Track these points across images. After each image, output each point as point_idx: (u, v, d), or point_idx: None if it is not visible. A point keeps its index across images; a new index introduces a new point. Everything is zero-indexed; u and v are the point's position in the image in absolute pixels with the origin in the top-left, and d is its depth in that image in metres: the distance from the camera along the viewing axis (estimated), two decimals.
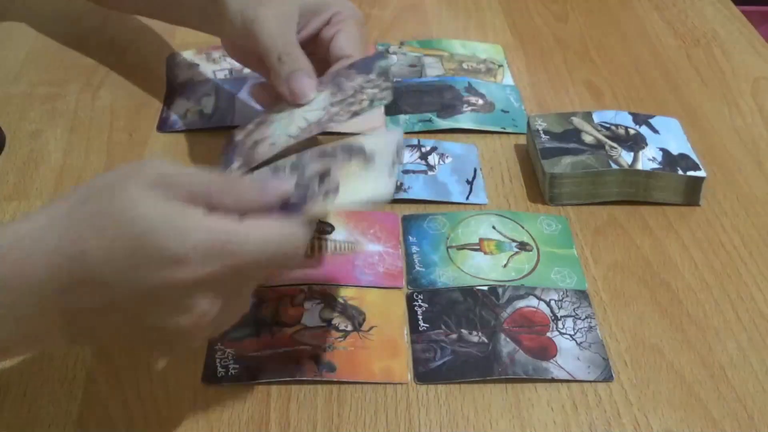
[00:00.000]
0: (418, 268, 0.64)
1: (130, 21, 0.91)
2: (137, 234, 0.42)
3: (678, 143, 0.73)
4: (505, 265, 0.65)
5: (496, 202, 0.71)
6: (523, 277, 0.64)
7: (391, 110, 0.80)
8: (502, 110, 0.81)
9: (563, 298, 0.62)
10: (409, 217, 0.69)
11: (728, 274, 0.65)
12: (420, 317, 0.60)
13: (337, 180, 0.49)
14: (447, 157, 0.75)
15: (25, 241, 0.44)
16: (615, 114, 0.75)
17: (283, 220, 0.46)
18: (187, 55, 0.87)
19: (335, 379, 0.56)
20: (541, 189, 0.72)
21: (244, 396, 0.55)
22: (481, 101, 0.82)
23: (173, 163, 0.46)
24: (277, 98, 0.64)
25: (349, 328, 0.59)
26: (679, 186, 0.70)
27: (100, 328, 0.46)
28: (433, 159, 0.74)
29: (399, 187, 0.71)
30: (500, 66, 0.88)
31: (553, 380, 0.57)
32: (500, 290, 0.62)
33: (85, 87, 0.82)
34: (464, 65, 0.87)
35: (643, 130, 0.74)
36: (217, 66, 0.86)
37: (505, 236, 0.67)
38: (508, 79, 0.86)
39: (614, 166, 0.70)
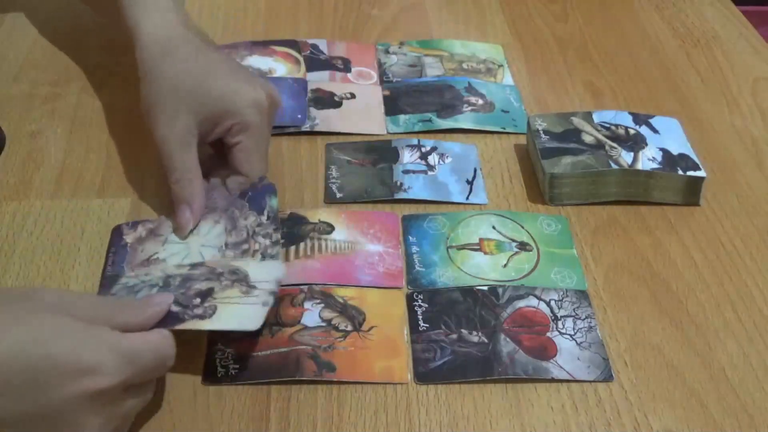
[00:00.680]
0: (418, 268, 0.64)
1: None
2: (50, 351, 0.46)
3: (678, 143, 0.73)
4: (505, 265, 0.65)
5: (496, 202, 0.71)
6: (523, 277, 0.64)
7: (392, 110, 0.80)
8: (502, 110, 0.81)
9: (563, 298, 0.62)
10: (409, 217, 0.69)
11: (728, 274, 0.65)
12: (420, 317, 0.60)
13: (215, 305, 0.55)
14: (447, 157, 0.75)
15: None
16: (615, 114, 0.75)
17: (161, 330, 0.52)
18: None
19: (335, 379, 0.56)
20: (541, 189, 0.72)
21: (244, 396, 0.55)
22: (481, 101, 0.82)
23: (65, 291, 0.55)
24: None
25: (349, 328, 0.59)
26: (679, 186, 0.70)
27: None
28: (433, 159, 0.74)
29: (399, 187, 0.71)
30: (500, 66, 0.88)
31: (553, 380, 0.57)
32: (500, 290, 0.62)
33: (85, 87, 0.82)
34: (464, 65, 0.87)
35: (643, 130, 0.74)
36: None
37: (505, 236, 0.67)
38: (508, 79, 0.86)
39: (614, 166, 0.69)
